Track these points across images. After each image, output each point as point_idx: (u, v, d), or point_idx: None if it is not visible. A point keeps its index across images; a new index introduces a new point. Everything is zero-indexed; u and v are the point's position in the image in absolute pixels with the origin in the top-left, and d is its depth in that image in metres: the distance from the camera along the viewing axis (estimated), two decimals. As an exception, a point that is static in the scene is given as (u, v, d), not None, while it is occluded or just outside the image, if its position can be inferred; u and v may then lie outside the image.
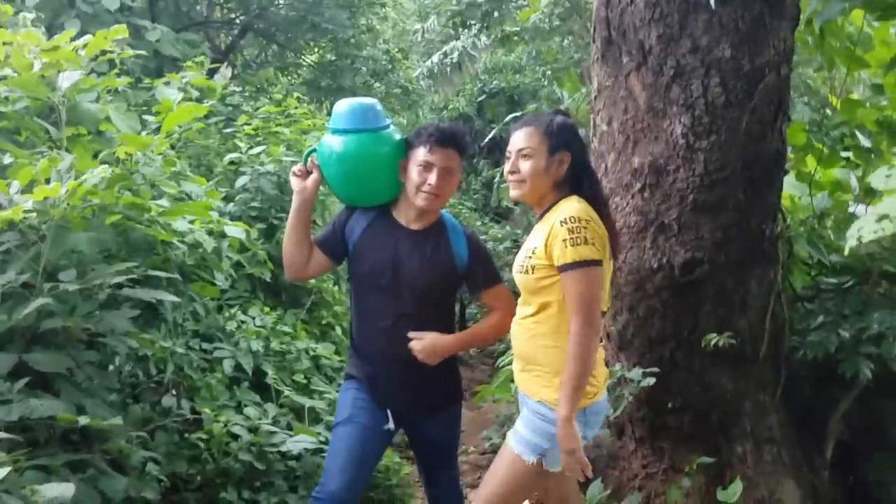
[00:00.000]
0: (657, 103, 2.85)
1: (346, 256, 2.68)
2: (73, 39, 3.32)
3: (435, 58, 13.63)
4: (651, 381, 2.96)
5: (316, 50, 11.72)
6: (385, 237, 2.61)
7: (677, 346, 3.12)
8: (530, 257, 2.31)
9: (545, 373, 2.33)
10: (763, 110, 2.77)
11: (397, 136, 2.60)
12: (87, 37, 3.28)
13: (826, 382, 3.37)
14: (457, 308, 2.90)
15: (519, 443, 2.36)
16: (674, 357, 3.13)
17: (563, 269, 2.20)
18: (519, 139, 2.35)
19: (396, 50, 12.81)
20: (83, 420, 2.29)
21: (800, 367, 3.30)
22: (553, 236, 2.22)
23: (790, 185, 3.31)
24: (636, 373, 2.95)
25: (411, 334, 2.53)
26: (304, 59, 11.71)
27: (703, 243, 2.95)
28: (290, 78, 11.75)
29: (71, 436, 2.62)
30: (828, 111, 3.21)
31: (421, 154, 2.50)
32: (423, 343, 2.53)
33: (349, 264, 2.69)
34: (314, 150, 2.63)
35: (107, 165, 2.64)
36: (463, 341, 2.72)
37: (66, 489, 2.02)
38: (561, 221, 2.21)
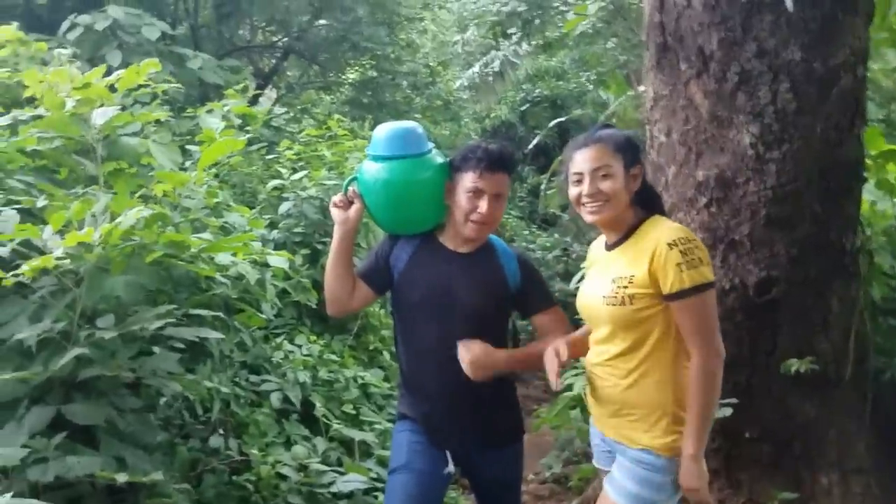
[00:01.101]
0: (721, 112, 2.63)
1: (390, 287, 2.53)
2: (115, 70, 3.27)
3: (475, 68, 13.49)
4: (728, 411, 2.74)
5: (356, 68, 11.71)
6: (433, 263, 2.46)
7: (753, 372, 2.89)
8: (626, 287, 2.07)
9: (647, 415, 2.11)
10: (838, 115, 2.53)
11: (439, 160, 2.45)
12: (120, 71, 3.22)
13: (916, 403, 3.10)
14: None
15: (625, 497, 2.14)
16: (750, 383, 2.90)
17: (680, 295, 1.98)
18: (591, 158, 2.12)
19: (437, 63, 12.70)
20: (122, 477, 2.17)
21: (884, 387, 3.04)
22: (660, 261, 2.00)
23: (868, 193, 3.05)
24: (713, 405, 2.72)
25: (460, 343, 2.33)
26: (345, 78, 11.70)
27: (778, 260, 2.72)
28: (332, 97, 11.75)
29: (116, 485, 2.52)
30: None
31: (469, 180, 2.35)
32: (472, 352, 2.31)
33: (395, 295, 2.54)
34: (354, 179, 2.49)
35: (142, 206, 2.54)
36: (516, 359, 2.46)
37: (108, 555, 1.90)
38: (669, 244, 1.99)
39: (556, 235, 11.06)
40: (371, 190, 2.41)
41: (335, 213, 2.47)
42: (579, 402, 3.71)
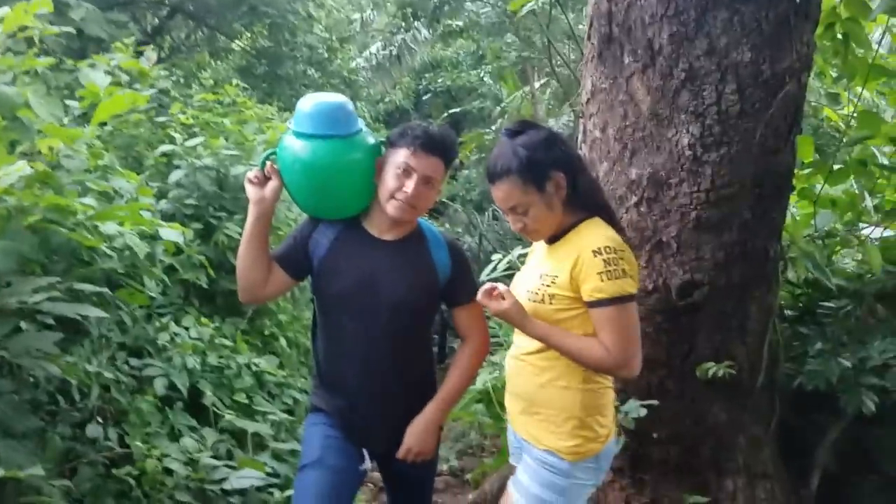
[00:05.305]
0: (662, 110, 2.57)
1: (310, 273, 2.33)
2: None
3: (373, 49, 13.24)
4: (644, 411, 2.72)
5: (249, 35, 11.14)
6: (356, 251, 2.28)
7: (668, 374, 2.88)
8: (548, 285, 2.01)
9: (553, 416, 2.06)
10: (779, 121, 2.52)
11: (370, 141, 2.26)
12: (4, 9, 2.81)
13: (812, 410, 3.20)
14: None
15: (525, 498, 2.08)
16: (663, 385, 2.89)
17: (599, 304, 1.92)
18: (501, 198, 2.05)
19: (335, 39, 12.31)
20: (-5, 474, 1.86)
21: (789, 394, 3.11)
22: (582, 267, 1.93)
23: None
24: (632, 406, 2.69)
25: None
26: (236, 44, 11.12)
27: (703, 264, 2.71)
28: (221, 63, 11.15)
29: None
30: (840, 124, 3.00)
31: (402, 156, 2.18)
32: (410, 445, 2.32)
33: (315, 283, 2.34)
34: (273, 154, 2.26)
35: (25, 162, 2.20)
36: (447, 407, 2.41)
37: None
38: (594, 251, 1.91)
39: (447, 225, 11.02)
40: (292, 169, 2.19)
41: (250, 190, 2.24)
42: (485, 397, 3.63)
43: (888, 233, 3.06)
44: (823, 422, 3.15)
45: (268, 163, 2.24)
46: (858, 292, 3.04)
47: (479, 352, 2.39)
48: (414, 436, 2.29)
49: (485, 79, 14.15)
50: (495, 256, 4.02)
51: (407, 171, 2.17)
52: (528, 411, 2.12)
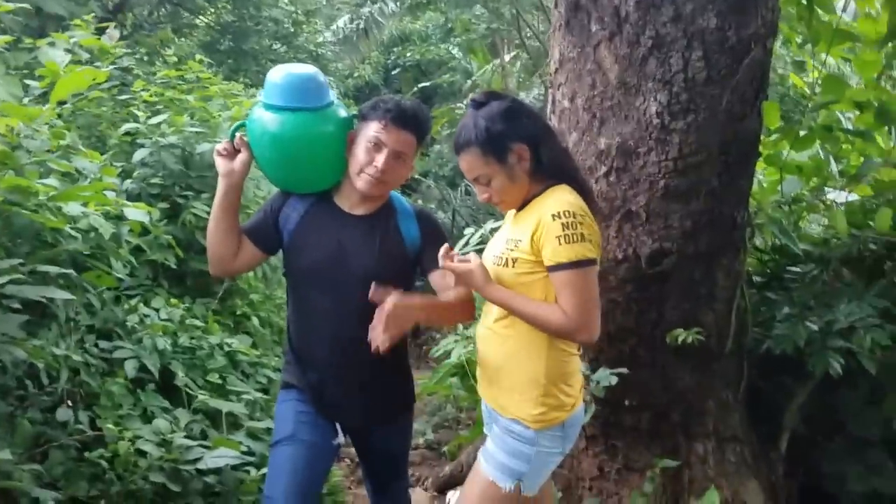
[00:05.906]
0: (630, 78, 2.57)
1: (281, 247, 2.31)
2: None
3: (340, 22, 13.07)
4: (614, 380, 2.75)
5: (212, 10, 10.91)
6: (326, 226, 2.26)
7: (639, 342, 2.91)
8: (512, 249, 2.02)
9: (519, 385, 2.06)
10: (745, 87, 2.53)
11: (343, 113, 2.23)
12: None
13: (779, 373, 3.25)
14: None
15: (493, 467, 2.09)
16: (634, 353, 2.92)
17: (557, 268, 1.92)
18: (466, 169, 2.07)
19: (300, 13, 12.10)
20: (-40, 461, 1.83)
21: (753, 358, 3.16)
22: (542, 230, 1.93)
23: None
24: (602, 374, 2.71)
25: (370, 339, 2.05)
26: (200, 20, 10.88)
27: (672, 232, 2.73)
28: (185, 40, 10.92)
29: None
30: (805, 91, 3.01)
31: (373, 130, 2.15)
32: (383, 324, 2.00)
33: (285, 257, 2.33)
34: (242, 126, 2.24)
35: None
36: (432, 305, 2.18)
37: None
38: (553, 215, 1.92)
39: (420, 201, 10.98)
40: (261, 142, 2.17)
41: (219, 162, 2.22)
42: (460, 370, 3.64)
43: (853, 197, 3.10)
44: (791, 385, 3.21)
45: (237, 135, 2.22)
46: (825, 257, 3.09)
47: (469, 297, 2.22)
48: (391, 300, 2.03)
49: (454, 52, 14.03)
50: (468, 231, 4.01)
51: (377, 146, 2.15)
52: (495, 380, 2.14)
